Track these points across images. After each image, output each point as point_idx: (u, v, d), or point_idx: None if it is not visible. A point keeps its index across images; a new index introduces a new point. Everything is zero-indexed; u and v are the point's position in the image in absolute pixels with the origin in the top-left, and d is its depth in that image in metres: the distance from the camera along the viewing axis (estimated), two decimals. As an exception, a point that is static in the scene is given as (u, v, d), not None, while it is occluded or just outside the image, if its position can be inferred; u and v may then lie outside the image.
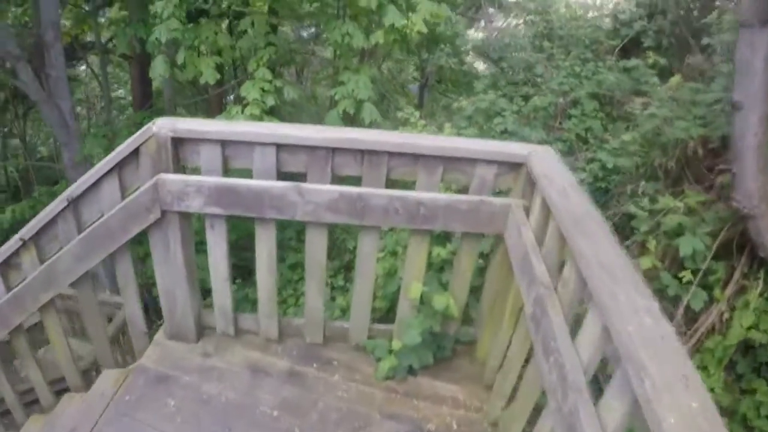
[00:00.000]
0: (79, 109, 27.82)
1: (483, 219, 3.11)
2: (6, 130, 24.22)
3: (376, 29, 8.15)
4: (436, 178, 3.13)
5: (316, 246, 3.36)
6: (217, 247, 3.40)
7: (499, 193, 3.31)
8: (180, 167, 3.19)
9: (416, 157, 3.10)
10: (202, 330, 3.83)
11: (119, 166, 3.17)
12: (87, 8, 13.59)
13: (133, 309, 3.74)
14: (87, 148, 10.93)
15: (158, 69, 8.32)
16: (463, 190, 3.19)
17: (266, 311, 3.64)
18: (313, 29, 15.77)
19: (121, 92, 25.18)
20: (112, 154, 3.16)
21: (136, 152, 3.12)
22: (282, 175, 3.17)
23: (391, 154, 3.08)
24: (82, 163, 11.21)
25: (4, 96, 21.29)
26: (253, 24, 8.68)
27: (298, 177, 3.14)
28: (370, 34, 8.10)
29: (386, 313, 4.90)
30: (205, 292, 3.89)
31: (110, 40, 13.76)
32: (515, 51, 9.52)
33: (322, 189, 3.10)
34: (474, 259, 3.40)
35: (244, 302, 7.86)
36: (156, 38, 7.90)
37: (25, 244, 3.43)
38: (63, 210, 3.30)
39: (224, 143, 3.09)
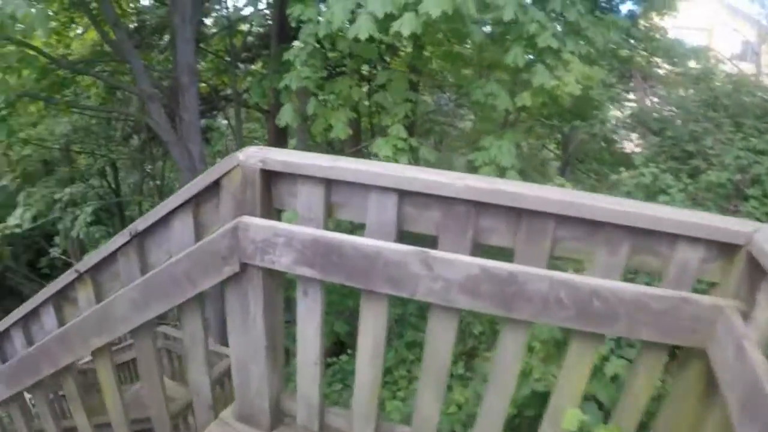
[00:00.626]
0: (218, 160, 28.63)
1: (682, 325, 1.96)
2: (148, 170, 25.05)
3: (522, 90, 7.43)
4: (618, 260, 2.04)
5: (439, 337, 2.33)
6: (308, 319, 2.50)
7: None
8: (270, 210, 2.40)
9: (594, 227, 2.02)
10: (279, 417, 2.93)
11: (195, 201, 2.48)
12: (228, 59, 13.67)
13: (199, 376, 2.99)
14: None
15: (285, 117, 8.01)
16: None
17: (363, 411, 2.66)
18: (452, 102, 15.37)
19: (256, 142, 25.62)
20: (189, 185, 2.46)
21: (216, 185, 2.39)
22: (403, 237, 2.27)
23: (558, 218, 2.04)
24: None
25: (143, 138, 22.08)
26: (391, 80, 8.16)
27: (425, 241, 2.24)
28: (515, 96, 7.38)
29: (511, 419, 3.84)
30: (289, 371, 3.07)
31: (246, 91, 13.67)
32: (679, 120, 8.47)
33: (458, 261, 2.09)
34: (655, 379, 2.23)
35: (335, 377, 7.14)
36: (286, 85, 7.59)
37: (80, 276, 2.95)
38: (125, 245, 2.72)
39: (330, 183, 2.23)
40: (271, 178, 2.36)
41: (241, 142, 13.68)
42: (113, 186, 27.79)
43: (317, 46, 7.55)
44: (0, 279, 27.45)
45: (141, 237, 2.69)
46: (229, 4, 12.86)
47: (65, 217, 19.06)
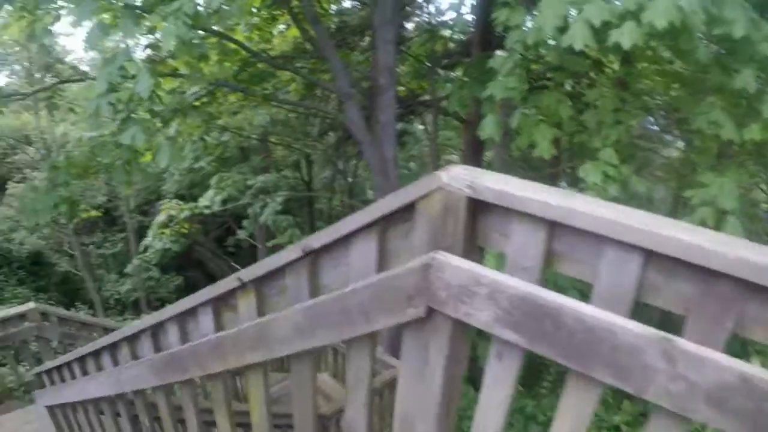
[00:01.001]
0: (412, 164, 28.71)
1: None
2: (340, 167, 25.44)
3: (749, 120, 6.52)
4: None
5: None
6: (497, 387, 1.97)
7: None
8: (473, 248, 1.94)
9: None
10: (440, 483, 2.45)
11: (382, 223, 2.06)
12: (428, 64, 13.43)
13: (357, 418, 2.55)
14: None
15: (488, 129, 7.48)
16: None
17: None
18: (658, 126, 14.48)
19: (454, 156, 25.45)
20: (377, 203, 2.06)
21: (410, 208, 1.96)
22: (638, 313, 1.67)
23: None
24: None
25: (338, 135, 22.39)
26: (601, 97, 7.52)
27: (668, 324, 1.69)
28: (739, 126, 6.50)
29: None
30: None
31: (445, 98, 13.35)
32: None
33: (712, 360, 1.46)
34: None
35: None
36: (490, 95, 7.06)
37: (244, 285, 2.70)
38: (296, 261, 2.39)
39: (553, 227, 1.72)
40: (478, 208, 1.87)
41: (437, 150, 13.41)
42: (305, 179, 28.51)
43: (523, 55, 7.04)
44: (188, 251, 28.66)
45: (315, 254, 2.35)
46: (431, 8, 12.55)
47: (255, 203, 19.68)
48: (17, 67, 28.53)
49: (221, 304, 2.97)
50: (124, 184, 8.89)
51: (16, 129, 34.13)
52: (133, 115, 6.75)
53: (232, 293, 2.85)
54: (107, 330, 8.80)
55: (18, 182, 28.60)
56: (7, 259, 30.45)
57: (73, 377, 5.31)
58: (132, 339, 3.96)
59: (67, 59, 29.51)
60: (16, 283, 29.79)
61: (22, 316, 8.38)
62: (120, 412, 4.77)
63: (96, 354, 4.59)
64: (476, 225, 1.93)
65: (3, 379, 8.82)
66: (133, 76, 6.19)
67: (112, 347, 4.27)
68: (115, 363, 4.28)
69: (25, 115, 34.19)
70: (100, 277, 33.14)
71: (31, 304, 8.49)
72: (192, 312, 3.21)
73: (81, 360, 4.98)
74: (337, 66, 10.46)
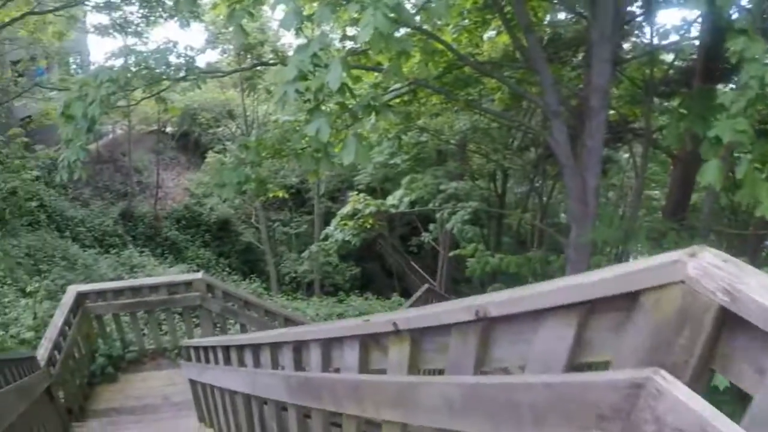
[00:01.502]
0: (611, 194, 27.47)
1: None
2: (536, 184, 24.71)
3: None
4: None
5: None
6: None
7: None
8: (704, 371, 1.35)
9: None
10: None
11: (590, 306, 1.50)
12: (644, 91, 12.43)
13: None
14: (596, 233, 9.71)
15: (709, 175, 6.57)
16: None
17: None
18: None
19: (656, 193, 24.16)
20: (584, 277, 1.51)
21: (632, 298, 1.39)
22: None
23: None
24: (585, 247, 10.24)
25: (539, 153, 21.63)
26: None
27: None
28: None
29: None
30: None
31: (659, 130, 12.32)
32: None
33: None
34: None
35: None
36: (716, 136, 6.22)
37: (398, 333, 2.26)
38: (463, 324, 1.90)
39: None
40: (729, 323, 1.26)
41: (642, 184, 12.47)
42: (499, 192, 27.97)
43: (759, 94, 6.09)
44: (370, 243, 28.80)
45: (491, 323, 1.84)
46: (652, 29, 11.50)
47: (445, 209, 19.35)
48: (230, 47, 29.60)
49: (371, 341, 2.58)
50: (311, 172, 8.71)
51: (221, 103, 35.64)
52: (321, 107, 6.49)
53: (385, 336, 2.45)
54: (268, 312, 8.73)
55: (217, 152, 29.79)
56: (196, 222, 31.96)
57: (216, 362, 5.16)
58: (274, 347, 3.71)
59: (278, 43, 30.32)
60: (201, 244, 31.22)
61: (188, 284, 8.44)
62: (252, 412, 4.51)
63: (239, 349, 4.43)
64: (719, 343, 1.31)
65: (160, 338, 8.97)
66: (326, 66, 5.90)
67: (255, 348, 4.06)
68: (256, 363, 4.09)
69: (231, 91, 35.72)
70: (281, 254, 34.05)
71: (199, 275, 8.58)
72: (338, 341, 2.85)
73: (225, 350, 4.81)
74: (548, 80, 9.79)
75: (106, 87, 8.06)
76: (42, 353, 6.68)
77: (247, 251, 33.62)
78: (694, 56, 12.85)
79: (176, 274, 8.72)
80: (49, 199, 23.93)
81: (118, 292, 8.53)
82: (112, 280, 17.56)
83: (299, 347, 3.34)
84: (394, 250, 36.79)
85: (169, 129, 39.54)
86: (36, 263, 16.45)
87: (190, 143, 39.04)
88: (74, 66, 30.19)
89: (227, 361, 4.79)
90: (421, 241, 29.99)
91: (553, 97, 9.77)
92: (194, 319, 9.33)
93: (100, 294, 8.53)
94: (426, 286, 21.63)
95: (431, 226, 28.17)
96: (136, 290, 8.53)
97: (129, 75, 9.03)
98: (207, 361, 5.52)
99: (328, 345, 2.97)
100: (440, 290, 26.00)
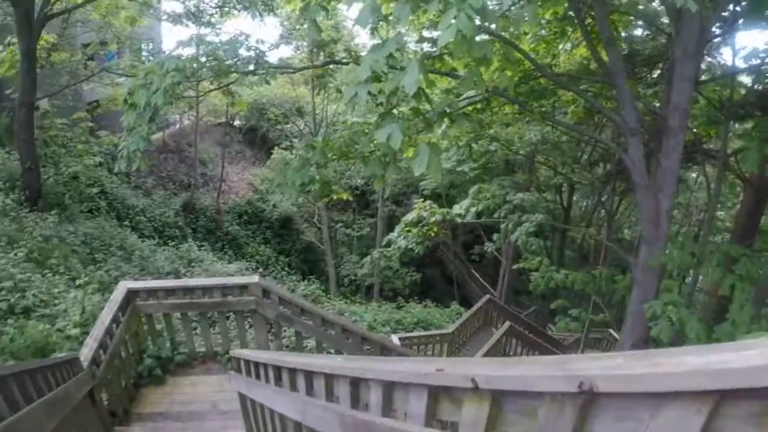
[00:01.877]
0: (675, 212, 26.78)
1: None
2: (603, 200, 24.20)
3: None
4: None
5: None
6: None
7: None
8: None
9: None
10: None
11: (718, 394, 1.16)
12: (720, 113, 11.89)
13: None
14: (667, 256, 9.27)
15: None
16: None
17: None
18: None
19: (721, 214, 23.60)
20: (707, 354, 1.20)
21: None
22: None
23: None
24: (654, 269, 9.96)
25: (609, 169, 21.07)
26: None
27: None
28: None
29: None
30: None
31: (735, 153, 11.78)
32: None
33: None
34: None
35: None
36: None
37: (476, 390, 1.93)
38: (563, 394, 1.58)
39: None
40: None
41: (715, 207, 11.90)
42: (564, 205, 27.42)
43: None
44: (433, 250, 28.49)
45: (595, 395, 1.50)
46: (732, 50, 10.98)
47: (510, 220, 18.93)
48: (303, 43, 29.48)
49: (442, 392, 2.25)
50: (377, 178, 8.35)
51: (291, 100, 35.58)
52: (394, 111, 6.11)
53: (461, 391, 2.11)
54: (325, 321, 8.40)
55: (284, 149, 29.74)
56: (258, 218, 32.02)
57: (267, 380, 4.86)
58: (329, 378, 3.42)
59: (352, 42, 30.12)
60: (262, 241, 31.25)
61: (243, 288, 8.16)
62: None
63: (292, 372, 4.09)
64: None
65: (211, 342, 8.70)
66: (402, 68, 5.50)
67: (308, 374, 3.73)
68: (309, 389, 3.75)
69: (302, 89, 35.69)
70: (341, 255, 33.96)
71: (255, 278, 8.27)
72: (404, 386, 2.54)
73: (277, 369, 4.50)
74: (626, 96, 9.34)
75: (171, 76, 7.86)
76: (86, 353, 6.42)
77: (307, 251, 33.57)
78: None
79: (231, 277, 8.30)
80: (111, 186, 24.12)
81: (170, 292, 8.24)
82: (168, 273, 17.71)
83: (357, 383, 3.03)
84: (455, 258, 36.55)
85: (236, 122, 39.99)
86: (92, 252, 16.38)
87: (257, 138, 39.29)
88: (145, 53, 30.17)
89: (278, 380, 4.47)
90: (484, 250, 29.57)
91: (631, 114, 9.35)
92: (248, 323, 9.06)
93: (152, 292, 8.25)
94: (487, 297, 21.30)
95: (495, 236, 27.70)
96: (188, 290, 8.24)
97: (196, 65, 8.83)
98: (257, 377, 5.21)
99: (392, 387, 2.66)
100: (500, 301, 25.60)
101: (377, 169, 7.79)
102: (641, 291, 10.36)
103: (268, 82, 9.26)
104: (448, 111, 6.89)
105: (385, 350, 8.90)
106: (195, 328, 9.46)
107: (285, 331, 9.30)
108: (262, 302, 8.14)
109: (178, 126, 35.49)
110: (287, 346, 10.73)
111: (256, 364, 5.16)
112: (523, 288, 36.26)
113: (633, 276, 10.53)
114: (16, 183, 16.51)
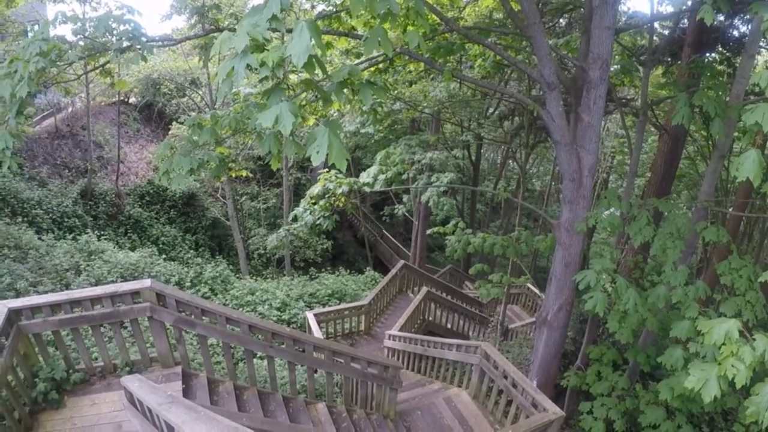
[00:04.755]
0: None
1: None
2: (512, 154, 23.95)
3: None
4: None
5: None
6: None
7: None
8: None
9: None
10: None
11: None
12: (640, 59, 11.56)
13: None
14: (595, 217, 8.77)
15: (747, 168, 5.72)
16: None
17: None
18: None
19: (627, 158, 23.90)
20: None
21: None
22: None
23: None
24: (577, 234, 9.62)
25: (520, 122, 20.68)
26: None
27: None
28: None
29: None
30: None
31: (653, 103, 11.55)
32: None
33: None
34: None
35: None
36: (755, 122, 5.49)
37: None
38: None
39: None
40: None
41: (638, 161, 11.43)
42: (473, 159, 27.04)
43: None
44: (341, 213, 27.84)
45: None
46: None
47: (420, 180, 18.31)
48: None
49: None
50: (273, 156, 7.47)
51: (185, 72, 34.37)
52: (282, 86, 5.12)
53: None
54: (230, 320, 7.62)
55: (181, 123, 28.48)
56: (160, 197, 30.96)
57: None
58: None
59: (231, 7, 28.77)
60: (166, 221, 30.26)
61: (136, 294, 7.27)
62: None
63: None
64: None
65: (108, 355, 7.78)
66: (289, 32, 4.53)
67: None
68: None
69: (195, 60, 34.40)
70: (249, 229, 33.07)
71: (147, 282, 7.33)
72: None
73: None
74: (543, 48, 8.65)
75: (35, 62, 6.80)
76: None
77: (214, 226, 32.57)
78: (683, 25, 12.33)
79: (120, 284, 7.30)
80: (2, 182, 22.67)
81: (55, 307, 7.26)
82: (67, 270, 16.58)
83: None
84: (365, 219, 36.10)
85: (132, 100, 38.28)
86: None
87: (153, 114, 37.85)
88: (31, 35, 28.40)
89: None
90: (394, 211, 29.05)
91: (548, 67, 8.71)
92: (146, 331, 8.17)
93: (36, 309, 7.27)
94: (402, 262, 20.82)
95: (405, 198, 27.16)
96: (76, 303, 7.26)
97: (64, 47, 7.72)
98: (152, 421, 4.39)
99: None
100: (415, 263, 25.19)
101: (272, 146, 6.90)
102: (566, 252, 9.92)
103: (145, 59, 8.17)
104: (350, 80, 5.93)
105: (297, 343, 8.39)
106: (90, 346, 8.50)
107: (187, 335, 8.43)
108: (158, 308, 7.29)
109: (70, 109, 33.47)
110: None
111: (149, 408, 4.33)
112: (435, 244, 36.10)
113: (556, 237, 10.02)
114: None
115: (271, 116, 4.62)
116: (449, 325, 18.72)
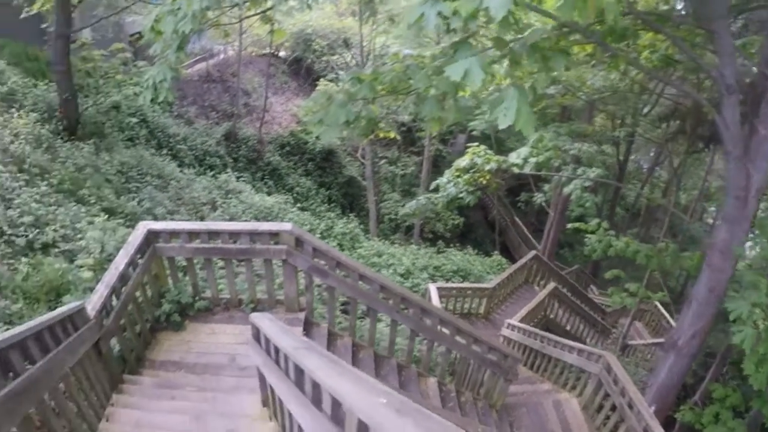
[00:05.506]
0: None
1: None
2: (664, 159, 22.86)
3: None
4: None
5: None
6: None
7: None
8: None
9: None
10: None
11: None
12: None
13: None
14: (759, 243, 8.17)
15: None
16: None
17: None
18: None
19: None
20: None
21: None
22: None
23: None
24: (732, 255, 8.98)
25: (679, 126, 19.55)
26: None
27: None
28: None
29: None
30: None
31: None
32: None
33: None
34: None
35: None
36: None
37: None
38: None
39: None
40: None
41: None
42: (621, 159, 26.08)
43: None
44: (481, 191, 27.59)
45: None
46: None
47: (565, 171, 17.70)
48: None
49: None
50: (433, 120, 7.24)
51: (337, 31, 34.67)
52: (471, 41, 4.82)
53: None
54: (363, 277, 7.49)
55: (329, 81, 28.77)
56: (300, 149, 31.40)
57: (287, 374, 3.89)
58: None
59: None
60: (303, 173, 30.71)
61: (274, 235, 7.23)
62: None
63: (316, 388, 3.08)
64: None
65: (236, 289, 7.84)
66: None
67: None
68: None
69: (349, 19, 34.52)
70: (383, 192, 33.13)
71: (287, 226, 7.27)
72: None
73: (299, 372, 3.48)
74: (727, 46, 7.93)
75: (199, 1, 6.82)
76: (95, 301, 5.76)
77: (348, 185, 32.88)
78: None
79: (260, 222, 7.35)
80: (153, 116, 23.56)
81: (193, 235, 7.41)
82: (204, 204, 17.09)
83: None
84: (499, 203, 35.56)
85: (281, 53, 39.06)
86: (127, 181, 15.78)
87: (301, 69, 38.41)
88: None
89: (299, 384, 3.50)
90: (531, 198, 28.35)
91: (730, 68, 7.97)
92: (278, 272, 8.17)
93: (174, 234, 7.47)
94: (533, 253, 20.49)
95: (546, 187, 26.42)
96: (214, 234, 7.40)
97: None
98: (277, 362, 4.26)
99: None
100: (544, 255, 24.64)
101: (434, 110, 6.67)
102: (713, 276, 9.21)
103: (309, 7, 8.09)
104: (542, 45, 5.52)
105: (424, 313, 8.14)
106: (219, 278, 8.60)
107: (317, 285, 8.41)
108: (294, 252, 7.23)
109: (222, 56, 34.61)
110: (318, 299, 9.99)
111: (276, 349, 4.21)
112: (565, 241, 35.15)
113: (706, 257, 9.34)
114: (54, 114, 16.05)
115: (459, 69, 4.35)
116: (568, 327, 18.27)
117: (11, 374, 3.82)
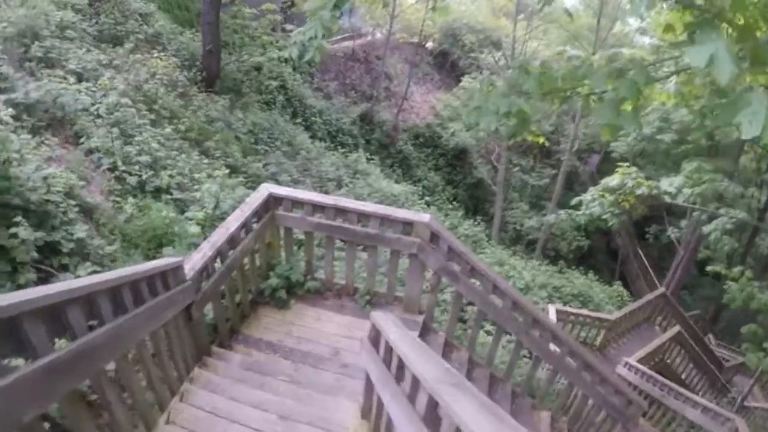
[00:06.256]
0: None
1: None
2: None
3: None
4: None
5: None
6: None
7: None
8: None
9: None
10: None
11: None
12: None
13: None
14: None
15: None
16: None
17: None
18: None
19: None
20: None
21: None
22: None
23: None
24: None
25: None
26: None
27: None
28: None
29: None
30: None
31: None
32: None
33: None
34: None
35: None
36: None
37: None
38: None
39: None
40: None
41: None
42: (763, 202, 24.49)
43: None
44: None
45: None
46: None
47: (707, 209, 16.54)
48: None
49: None
50: (607, 128, 6.42)
51: (489, 29, 34.32)
52: (716, 22, 3.84)
53: None
54: (496, 289, 6.61)
55: (473, 78, 28.42)
56: (434, 143, 31.40)
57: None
58: None
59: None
60: (432, 167, 30.65)
61: (408, 225, 6.48)
62: None
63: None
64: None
65: (352, 276, 7.19)
66: None
67: None
68: None
69: (503, 20, 34.08)
70: (510, 200, 32.46)
71: (425, 217, 6.47)
72: None
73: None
74: None
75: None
76: (196, 260, 5.16)
77: (476, 187, 32.39)
78: None
79: (395, 208, 6.61)
80: (292, 83, 23.67)
81: (318, 208, 6.74)
82: (331, 180, 16.79)
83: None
84: (625, 231, 34.29)
85: (428, 44, 39.02)
86: (256, 142, 15.77)
87: (446, 63, 38.33)
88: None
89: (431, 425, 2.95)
90: (662, 232, 27.00)
91: None
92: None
93: (297, 203, 6.83)
94: (660, 290, 19.25)
95: (683, 222, 25.00)
96: (341, 212, 6.71)
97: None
98: (397, 379, 3.61)
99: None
100: (668, 292, 23.34)
101: (609, 115, 5.86)
102: None
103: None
104: None
105: (555, 339, 7.14)
106: (338, 259, 8.00)
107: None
108: (427, 248, 6.46)
109: (369, 38, 34.77)
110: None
111: (402, 365, 3.55)
112: (689, 282, 33.49)
113: None
114: (195, 63, 16.27)
115: (703, 54, 3.43)
116: (683, 376, 16.94)
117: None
